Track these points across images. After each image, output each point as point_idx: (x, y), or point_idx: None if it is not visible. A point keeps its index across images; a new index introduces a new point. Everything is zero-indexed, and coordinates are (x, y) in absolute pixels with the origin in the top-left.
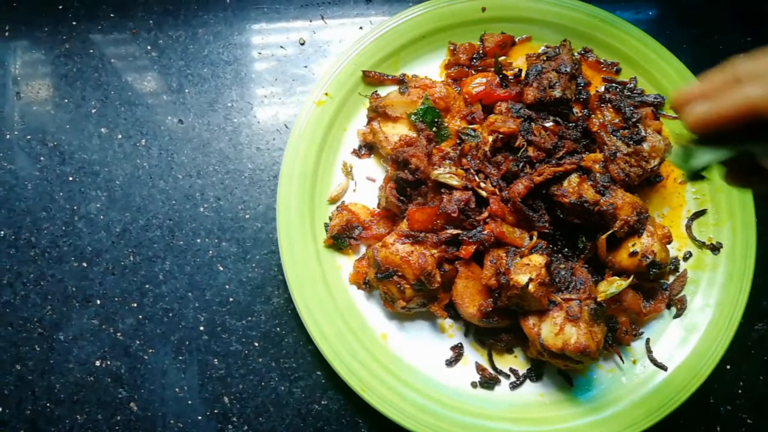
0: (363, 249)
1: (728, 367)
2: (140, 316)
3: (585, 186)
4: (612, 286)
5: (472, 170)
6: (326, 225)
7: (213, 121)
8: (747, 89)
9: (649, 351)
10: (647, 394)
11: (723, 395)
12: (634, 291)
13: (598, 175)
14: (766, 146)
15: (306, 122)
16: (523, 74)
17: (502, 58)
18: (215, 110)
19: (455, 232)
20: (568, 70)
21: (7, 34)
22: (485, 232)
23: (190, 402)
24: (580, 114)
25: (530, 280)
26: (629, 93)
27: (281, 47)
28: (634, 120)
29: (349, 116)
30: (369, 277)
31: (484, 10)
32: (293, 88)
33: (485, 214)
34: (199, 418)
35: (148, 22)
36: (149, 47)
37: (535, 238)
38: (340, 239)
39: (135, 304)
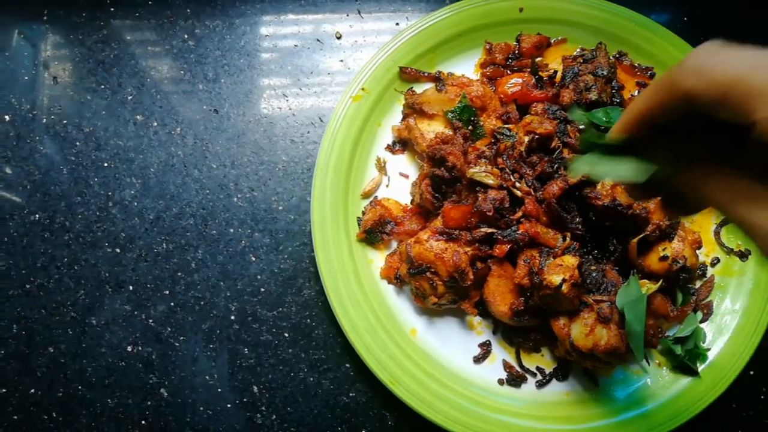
0: (394, 244)
1: (752, 372)
2: (172, 304)
3: (618, 189)
4: (642, 289)
5: (507, 170)
6: (359, 219)
7: (248, 112)
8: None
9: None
10: (671, 397)
11: (746, 401)
12: (662, 295)
13: None
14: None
15: (342, 116)
16: (558, 76)
17: (538, 59)
18: (250, 101)
19: (490, 230)
20: (605, 73)
21: (45, 18)
22: (520, 232)
23: (219, 390)
24: None
25: (564, 280)
26: None
27: (317, 40)
28: None
29: (384, 112)
30: (401, 272)
31: (521, 10)
32: (328, 81)
33: (519, 214)
34: (228, 406)
35: (186, 10)
36: (186, 36)
37: (568, 239)
38: (372, 234)
39: (167, 292)
